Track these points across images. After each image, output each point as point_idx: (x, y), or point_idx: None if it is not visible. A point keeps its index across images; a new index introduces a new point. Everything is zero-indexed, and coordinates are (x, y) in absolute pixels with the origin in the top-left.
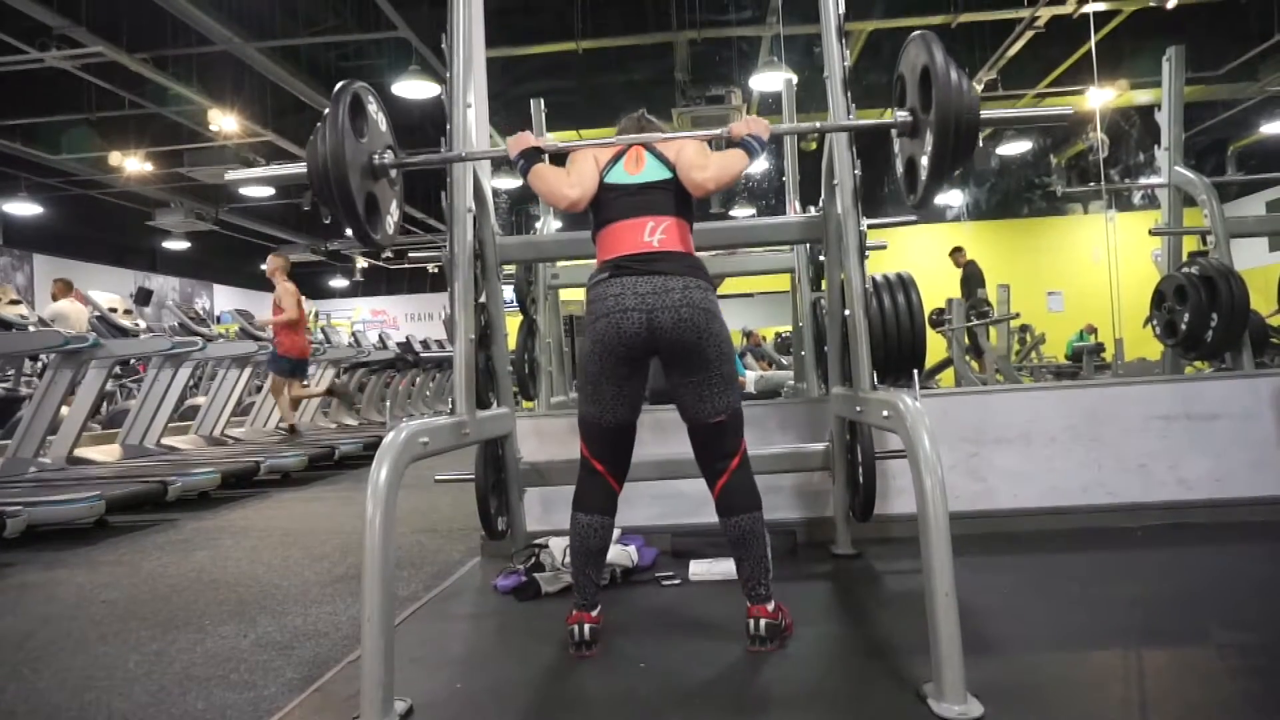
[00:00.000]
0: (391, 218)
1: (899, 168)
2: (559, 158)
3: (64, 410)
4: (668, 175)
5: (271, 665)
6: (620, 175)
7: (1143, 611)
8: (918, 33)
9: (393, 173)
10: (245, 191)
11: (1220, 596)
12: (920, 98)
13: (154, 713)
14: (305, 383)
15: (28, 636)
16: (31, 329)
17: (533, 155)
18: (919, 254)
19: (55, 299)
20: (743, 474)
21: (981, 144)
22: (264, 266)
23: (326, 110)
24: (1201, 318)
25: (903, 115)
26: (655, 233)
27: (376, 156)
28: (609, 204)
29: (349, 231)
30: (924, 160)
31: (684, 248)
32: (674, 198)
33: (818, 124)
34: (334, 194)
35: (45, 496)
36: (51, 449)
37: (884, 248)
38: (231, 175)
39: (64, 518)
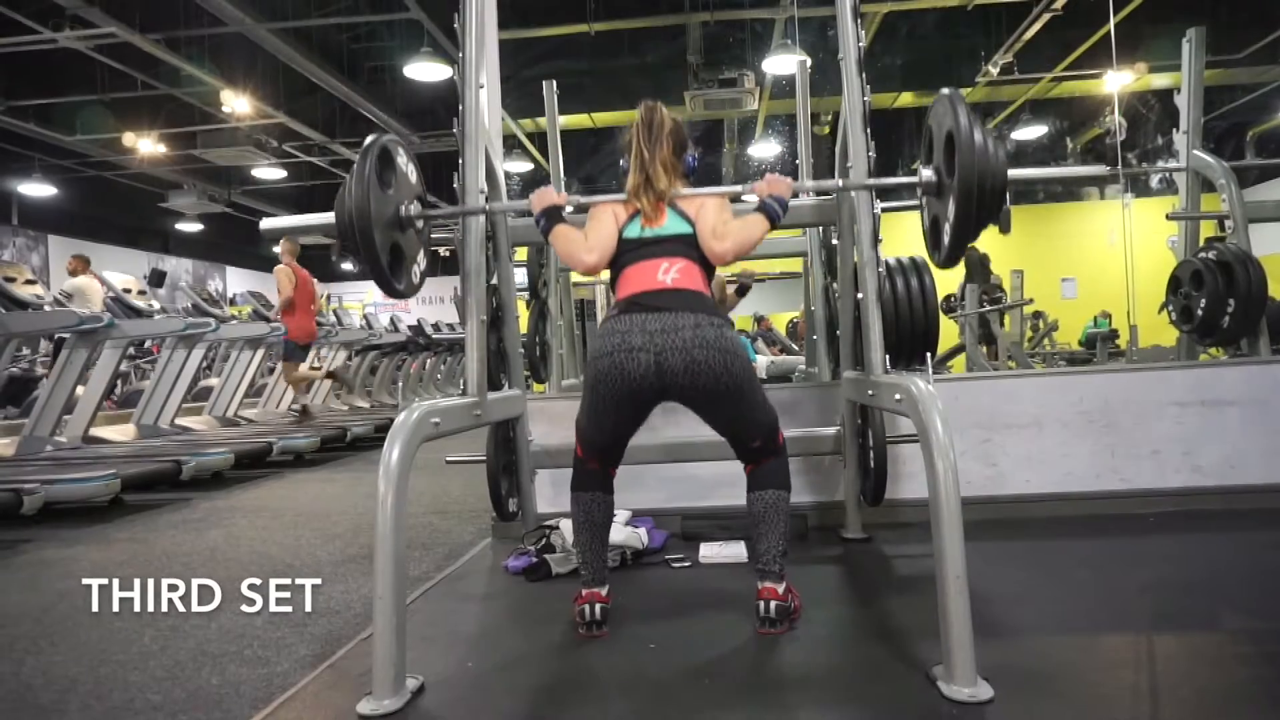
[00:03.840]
0: (418, 266)
1: (924, 221)
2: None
3: (79, 390)
4: (688, 230)
5: (284, 642)
6: (638, 230)
7: (1154, 597)
8: (944, 92)
9: (419, 223)
10: (258, 174)
11: (1233, 583)
12: (945, 159)
13: (169, 686)
14: (317, 365)
15: (45, 611)
16: (47, 309)
17: (554, 214)
18: None
19: (75, 274)
20: (779, 462)
21: (998, 131)
22: (275, 249)
23: (355, 164)
24: (1218, 304)
25: (928, 174)
26: (669, 272)
27: (403, 208)
28: (626, 253)
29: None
30: (947, 225)
31: (699, 288)
32: (693, 247)
33: (839, 181)
34: (359, 246)
35: (62, 474)
36: (67, 428)
37: None
38: (266, 224)
39: (80, 496)
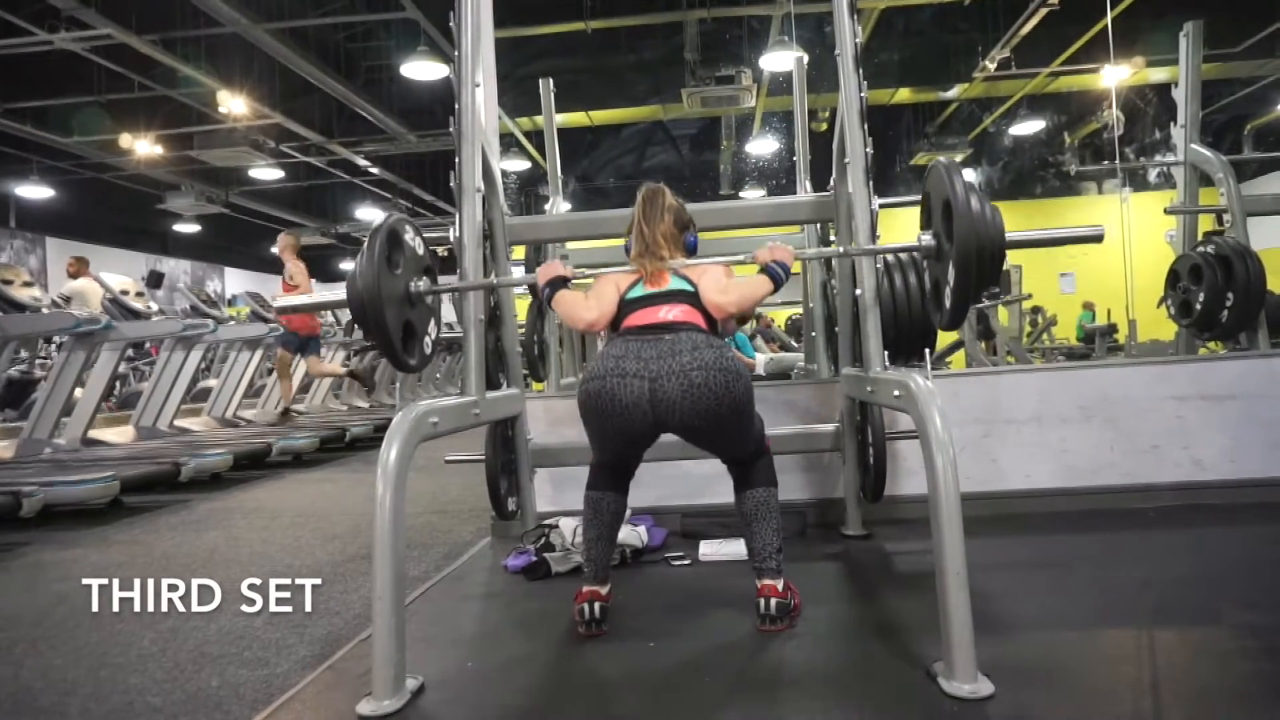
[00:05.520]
0: (429, 337)
1: (925, 282)
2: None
3: (78, 392)
4: (690, 289)
5: (284, 643)
6: (641, 290)
7: (1155, 592)
8: (939, 161)
9: (429, 297)
10: (255, 174)
11: (1234, 577)
12: (943, 224)
13: (169, 688)
14: (347, 362)
15: (44, 613)
16: (45, 311)
17: (558, 284)
18: None
19: (74, 277)
20: (765, 460)
21: (994, 126)
22: (274, 248)
23: (364, 245)
24: (1217, 298)
25: (927, 239)
26: (671, 311)
27: (413, 284)
28: (627, 308)
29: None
30: (948, 289)
31: (701, 324)
32: (695, 300)
33: (840, 249)
34: (371, 326)
35: (60, 477)
36: (66, 430)
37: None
38: (280, 302)
39: (79, 498)
